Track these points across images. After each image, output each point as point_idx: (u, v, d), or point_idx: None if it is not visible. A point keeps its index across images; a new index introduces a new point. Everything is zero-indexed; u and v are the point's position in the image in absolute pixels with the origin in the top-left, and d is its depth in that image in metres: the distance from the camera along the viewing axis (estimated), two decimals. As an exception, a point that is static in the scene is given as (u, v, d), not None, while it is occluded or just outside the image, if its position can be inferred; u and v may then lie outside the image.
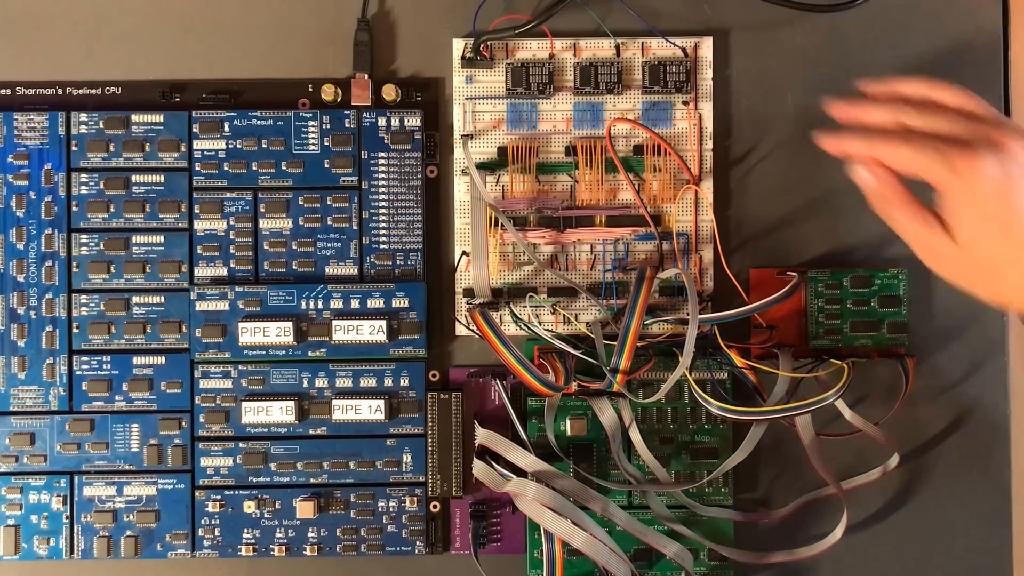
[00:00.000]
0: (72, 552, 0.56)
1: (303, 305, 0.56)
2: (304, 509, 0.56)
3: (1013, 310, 0.48)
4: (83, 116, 0.56)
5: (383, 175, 0.57)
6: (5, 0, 0.58)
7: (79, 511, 0.56)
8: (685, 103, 0.57)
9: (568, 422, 0.56)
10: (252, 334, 0.55)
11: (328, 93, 0.57)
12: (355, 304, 0.56)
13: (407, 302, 0.56)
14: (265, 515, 0.56)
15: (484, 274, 0.56)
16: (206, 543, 0.56)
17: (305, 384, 0.56)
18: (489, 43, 0.56)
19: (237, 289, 0.56)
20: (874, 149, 0.48)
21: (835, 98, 0.51)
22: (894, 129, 0.49)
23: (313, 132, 0.57)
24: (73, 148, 0.56)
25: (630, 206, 0.57)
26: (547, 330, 0.56)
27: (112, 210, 0.56)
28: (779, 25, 0.59)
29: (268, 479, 0.56)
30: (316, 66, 0.58)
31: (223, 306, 0.56)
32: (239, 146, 0.56)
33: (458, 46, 0.57)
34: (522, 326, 0.56)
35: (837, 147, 0.50)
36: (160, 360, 0.56)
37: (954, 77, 0.58)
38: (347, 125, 0.57)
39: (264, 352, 0.56)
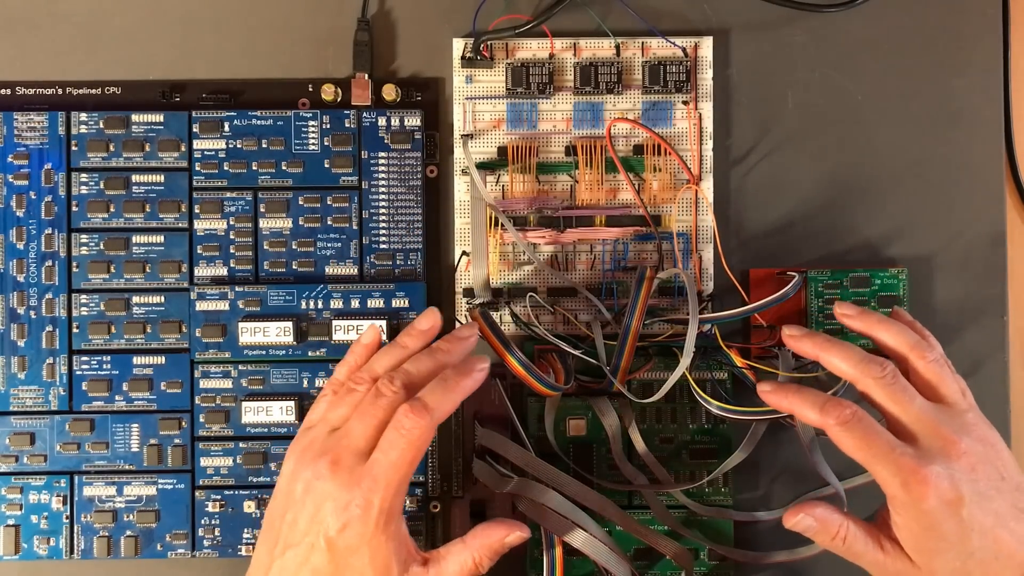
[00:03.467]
0: (72, 552, 0.56)
1: (303, 305, 0.56)
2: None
3: None
4: (83, 116, 0.56)
5: (383, 175, 0.57)
6: (5, 0, 0.58)
7: (79, 511, 0.56)
8: (685, 103, 0.57)
9: (568, 422, 0.56)
10: (252, 334, 0.55)
11: (328, 93, 0.57)
12: (355, 304, 0.56)
13: (407, 302, 0.56)
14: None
15: (484, 274, 0.56)
16: (206, 543, 0.56)
17: (305, 384, 0.56)
18: (489, 43, 0.56)
19: (237, 289, 0.56)
20: (827, 426, 0.48)
21: (796, 331, 0.52)
22: (857, 396, 0.49)
23: (313, 132, 0.57)
24: (73, 148, 0.56)
25: (630, 206, 0.57)
26: (547, 330, 0.56)
27: (112, 210, 0.56)
28: (779, 25, 0.59)
29: (268, 479, 0.56)
30: (316, 66, 0.58)
31: (223, 306, 0.56)
32: (239, 146, 0.56)
33: (458, 46, 0.57)
34: (522, 326, 0.56)
35: (780, 404, 0.50)
36: (160, 360, 0.56)
37: (954, 77, 0.58)
38: (347, 125, 0.57)
39: (264, 352, 0.56)
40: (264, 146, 0.56)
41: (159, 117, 0.56)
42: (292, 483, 0.47)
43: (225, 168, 0.56)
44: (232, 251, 0.56)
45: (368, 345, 0.51)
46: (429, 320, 0.51)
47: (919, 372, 0.50)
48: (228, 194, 0.56)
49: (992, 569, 0.46)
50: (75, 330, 0.56)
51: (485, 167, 0.57)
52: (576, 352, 0.55)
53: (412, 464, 0.46)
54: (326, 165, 0.57)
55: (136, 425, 0.56)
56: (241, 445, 0.56)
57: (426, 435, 0.46)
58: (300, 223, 0.57)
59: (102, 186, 0.56)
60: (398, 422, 0.46)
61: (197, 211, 0.56)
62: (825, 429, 0.48)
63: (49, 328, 0.56)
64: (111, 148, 0.56)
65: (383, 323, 0.55)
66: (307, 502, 0.46)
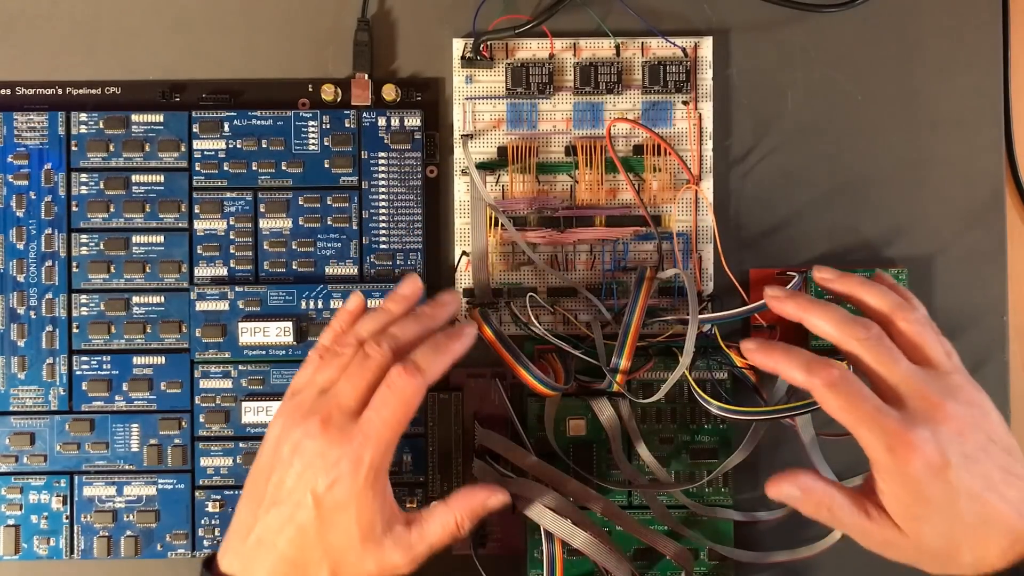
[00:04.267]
0: (72, 552, 0.56)
1: (303, 305, 0.56)
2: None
3: None
4: (83, 116, 0.56)
5: (383, 175, 0.57)
6: (5, 0, 0.58)
7: (79, 511, 0.56)
8: (685, 103, 0.57)
9: (568, 422, 0.56)
10: (252, 334, 0.55)
11: (328, 93, 0.57)
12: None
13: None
14: (265, 515, 0.56)
15: (484, 274, 0.56)
16: (206, 543, 0.56)
17: (305, 384, 0.56)
18: (489, 43, 0.56)
19: (237, 289, 0.56)
20: (812, 386, 0.46)
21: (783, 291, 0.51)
22: (844, 355, 0.48)
23: (313, 132, 0.57)
24: (73, 148, 0.56)
25: (630, 206, 0.57)
26: (547, 330, 0.56)
27: (112, 210, 0.56)
28: (779, 25, 0.59)
29: (268, 479, 0.56)
30: (316, 66, 0.58)
31: (223, 306, 0.56)
32: (239, 146, 0.56)
33: (458, 46, 0.57)
34: (522, 326, 0.56)
35: (765, 363, 0.49)
36: (160, 360, 0.56)
37: (954, 77, 0.58)
38: (347, 125, 0.57)
39: (264, 352, 0.56)
40: (264, 146, 0.56)
41: (159, 117, 0.56)
42: (279, 444, 0.47)
43: (225, 168, 0.56)
44: (232, 251, 0.56)
45: (352, 311, 0.52)
46: (411, 286, 0.52)
47: (903, 333, 0.48)
48: (228, 194, 0.56)
49: (980, 533, 0.45)
50: (75, 330, 0.56)
51: (485, 167, 0.57)
52: (576, 352, 0.55)
53: (403, 423, 0.47)
54: (326, 165, 0.57)
55: (136, 425, 0.56)
56: (241, 445, 0.56)
57: (418, 394, 0.47)
58: (300, 223, 0.57)
59: (102, 186, 0.56)
60: (391, 380, 0.47)
61: (197, 211, 0.56)
62: (810, 389, 0.47)
63: (49, 328, 0.56)
64: (111, 148, 0.56)
65: (383, 323, 0.55)
66: (295, 461, 0.46)
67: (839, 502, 0.47)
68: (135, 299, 0.56)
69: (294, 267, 0.57)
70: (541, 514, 0.53)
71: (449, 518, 0.49)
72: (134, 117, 0.56)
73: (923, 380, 0.47)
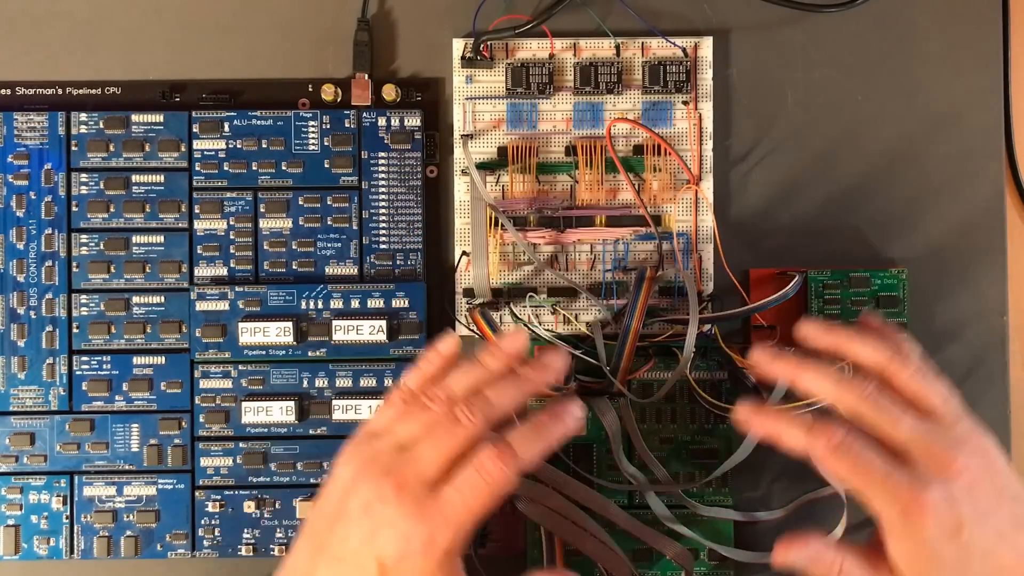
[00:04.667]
0: (72, 552, 0.56)
1: (303, 305, 0.56)
2: (304, 509, 0.56)
3: None
4: (83, 116, 0.56)
5: (383, 175, 0.57)
6: (5, 0, 0.58)
7: (79, 511, 0.56)
8: (685, 103, 0.57)
9: (568, 422, 0.56)
10: (252, 334, 0.55)
11: (328, 93, 0.57)
12: (355, 304, 0.56)
13: (407, 302, 0.56)
14: (265, 515, 0.56)
15: (484, 274, 0.56)
16: (206, 543, 0.56)
17: (305, 384, 0.56)
18: (489, 43, 0.56)
19: (237, 289, 0.56)
20: (815, 451, 0.45)
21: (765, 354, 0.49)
22: (843, 420, 0.46)
23: (313, 132, 0.57)
24: (73, 148, 0.56)
25: (630, 206, 0.57)
26: (547, 330, 0.56)
27: (112, 210, 0.56)
28: (779, 25, 0.59)
29: (268, 479, 0.56)
30: (316, 66, 0.58)
31: (223, 306, 0.56)
32: (239, 146, 0.56)
33: (458, 46, 0.57)
34: (522, 326, 0.56)
35: (763, 429, 0.47)
36: (160, 360, 0.56)
37: (954, 77, 0.58)
38: (347, 125, 0.57)
39: (264, 352, 0.56)
40: (264, 146, 0.56)
41: (159, 117, 0.56)
42: (348, 496, 0.44)
43: (225, 168, 0.56)
44: (232, 251, 0.56)
45: (446, 356, 0.48)
46: (516, 342, 0.48)
47: (901, 386, 0.47)
48: (228, 194, 0.56)
49: None
50: (75, 330, 0.56)
51: (485, 167, 0.57)
52: (576, 352, 0.55)
53: (485, 508, 0.43)
54: (326, 165, 0.57)
55: (136, 425, 0.56)
56: (241, 445, 0.56)
57: (507, 483, 0.43)
58: (300, 223, 0.57)
59: (102, 186, 0.56)
60: (482, 464, 0.43)
61: (197, 211, 0.56)
62: (811, 454, 0.45)
63: (49, 328, 0.56)
64: (111, 148, 0.56)
65: (383, 323, 0.55)
66: (364, 521, 0.43)
67: (850, 564, 0.45)
68: (135, 299, 0.56)
69: (294, 267, 0.57)
70: (541, 514, 0.53)
71: None
72: (134, 117, 0.56)
73: (929, 434, 0.45)
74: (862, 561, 0.46)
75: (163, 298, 0.56)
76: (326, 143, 0.56)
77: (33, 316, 0.56)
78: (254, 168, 0.56)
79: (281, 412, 0.55)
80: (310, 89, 0.58)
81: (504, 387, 0.46)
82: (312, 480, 0.56)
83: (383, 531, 0.43)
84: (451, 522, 0.43)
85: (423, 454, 0.44)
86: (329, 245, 0.57)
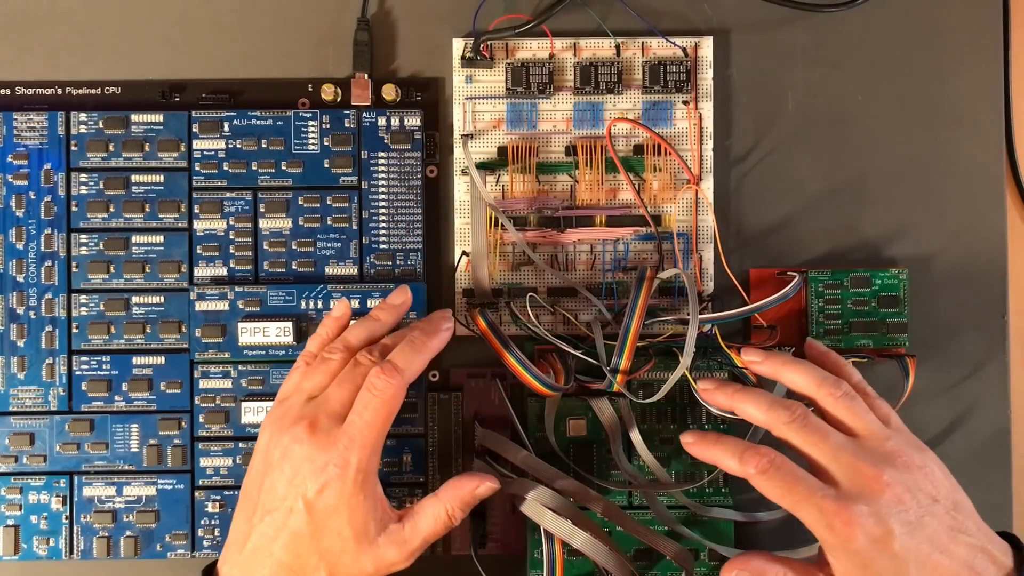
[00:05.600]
0: (72, 552, 0.56)
1: (303, 305, 0.56)
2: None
3: None
4: (83, 116, 0.56)
5: (383, 175, 0.57)
6: (5, 0, 0.58)
7: (79, 511, 0.56)
8: (685, 103, 0.57)
9: (568, 422, 0.56)
10: (252, 334, 0.55)
11: (328, 93, 0.57)
12: (355, 304, 0.56)
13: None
14: (265, 515, 0.56)
15: (484, 274, 0.56)
16: (206, 543, 0.56)
17: (305, 384, 0.56)
18: (489, 43, 0.56)
19: (237, 289, 0.56)
20: (747, 475, 0.47)
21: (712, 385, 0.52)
22: (776, 436, 0.48)
23: (313, 132, 0.56)
24: (73, 148, 0.56)
25: (630, 206, 0.57)
26: (547, 330, 0.56)
27: (112, 210, 0.56)
28: (779, 25, 0.59)
29: (268, 479, 0.56)
30: (316, 66, 0.58)
31: (223, 306, 0.56)
32: (239, 146, 0.56)
33: (458, 46, 0.57)
34: (522, 326, 0.56)
35: (703, 455, 0.50)
36: (160, 360, 0.56)
37: (954, 77, 0.58)
38: (347, 125, 0.57)
39: (264, 352, 0.56)
40: (264, 146, 0.56)
41: (159, 117, 0.56)
42: (269, 451, 0.48)
43: (225, 168, 0.56)
44: (232, 251, 0.56)
45: (339, 318, 0.53)
46: (401, 296, 0.54)
47: (828, 410, 0.49)
48: (228, 194, 0.56)
49: None
50: (75, 330, 0.56)
51: (485, 167, 0.57)
52: (576, 352, 0.55)
53: (386, 423, 0.48)
54: (326, 165, 0.56)
55: (136, 425, 0.56)
56: (241, 445, 0.56)
57: (398, 394, 0.48)
58: (300, 223, 0.56)
59: (102, 186, 0.56)
60: (370, 383, 0.48)
61: (197, 211, 0.56)
62: (746, 478, 0.48)
63: (49, 328, 0.56)
64: (111, 148, 0.56)
65: (383, 323, 0.55)
66: (284, 467, 0.47)
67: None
68: (135, 299, 0.56)
69: (294, 267, 0.57)
70: (541, 514, 0.53)
71: (440, 510, 0.49)
72: (134, 117, 0.56)
73: (854, 453, 0.47)
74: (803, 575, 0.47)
75: (163, 298, 0.56)
76: (326, 143, 0.56)
77: (33, 316, 0.56)
78: (254, 168, 0.56)
79: (281, 412, 0.55)
80: (310, 89, 0.58)
81: (397, 333, 0.51)
82: (312, 480, 0.56)
83: (302, 468, 0.47)
84: (357, 441, 0.47)
85: (330, 395, 0.49)
86: (329, 245, 0.57)
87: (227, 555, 0.49)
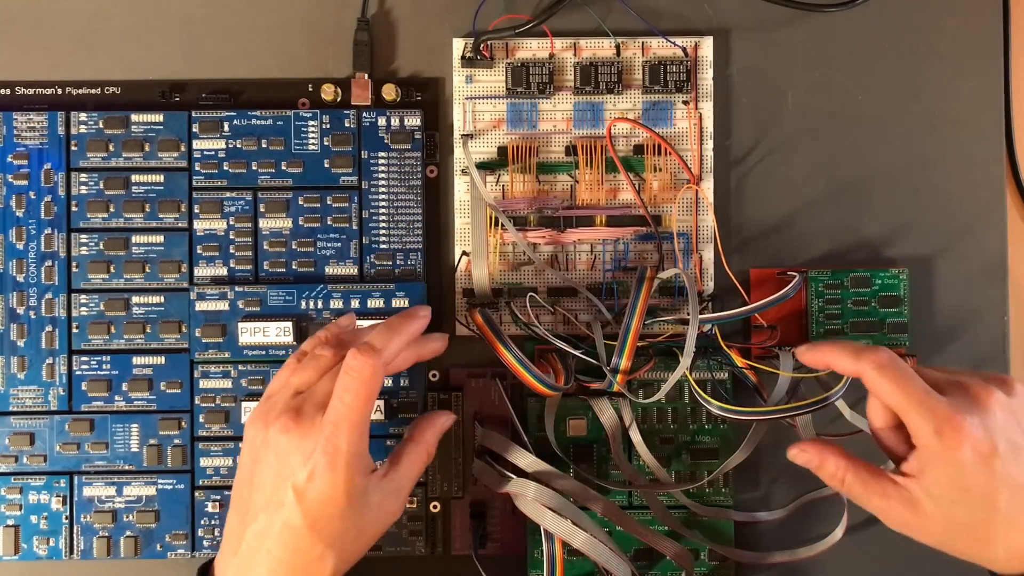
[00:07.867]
0: (72, 552, 0.56)
1: (303, 305, 0.56)
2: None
3: (999, 571, 0.46)
4: (83, 116, 0.56)
5: (383, 175, 0.57)
6: (5, 0, 0.58)
7: (79, 511, 0.56)
8: (685, 103, 0.57)
9: (568, 422, 0.56)
10: (252, 334, 0.55)
11: (328, 93, 0.57)
12: (355, 304, 0.56)
13: (407, 302, 0.56)
14: (265, 515, 0.56)
15: (484, 274, 0.56)
16: (206, 543, 0.56)
17: (305, 384, 0.56)
18: (489, 43, 0.56)
19: (237, 289, 0.56)
20: (863, 371, 0.47)
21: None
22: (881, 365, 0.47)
23: (313, 132, 0.56)
24: (73, 148, 0.56)
25: (630, 206, 0.57)
26: (547, 330, 0.56)
27: (112, 210, 0.56)
28: (779, 25, 0.59)
29: (268, 479, 0.56)
30: (316, 66, 0.58)
31: (223, 306, 0.56)
32: (239, 146, 0.56)
33: (458, 46, 0.57)
34: (522, 326, 0.56)
35: (816, 360, 0.50)
36: (160, 360, 0.56)
37: (954, 77, 0.58)
38: (347, 125, 0.57)
39: (264, 352, 0.56)
40: (264, 146, 0.56)
41: (159, 117, 0.56)
42: (255, 446, 0.48)
43: (225, 168, 0.56)
44: (232, 251, 0.56)
45: (343, 327, 0.53)
46: (422, 311, 0.53)
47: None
48: (228, 194, 0.56)
49: (1017, 527, 0.44)
50: (75, 330, 0.56)
51: (485, 167, 0.57)
52: (576, 352, 0.55)
53: (367, 403, 0.47)
54: (326, 165, 0.56)
55: (136, 425, 0.56)
56: (241, 445, 0.56)
57: (376, 374, 0.47)
58: (300, 223, 0.56)
59: (102, 186, 0.56)
60: (347, 365, 0.47)
61: (197, 211, 0.56)
62: (861, 376, 0.47)
63: (49, 328, 0.56)
64: (111, 148, 0.56)
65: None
66: (271, 459, 0.47)
67: (852, 478, 0.47)
68: (135, 299, 0.56)
69: (294, 267, 0.57)
70: (541, 514, 0.53)
71: (421, 451, 0.50)
72: (134, 117, 0.56)
73: (964, 375, 0.47)
74: (867, 477, 0.47)
75: (163, 298, 0.56)
76: (326, 143, 0.56)
77: (33, 316, 0.56)
78: (254, 168, 0.56)
79: (281, 412, 0.55)
80: (310, 89, 0.58)
81: (389, 334, 0.50)
82: (312, 480, 0.56)
83: (291, 458, 0.46)
84: (341, 424, 0.46)
85: (317, 389, 0.48)
86: (329, 245, 0.57)
87: (222, 558, 0.48)
